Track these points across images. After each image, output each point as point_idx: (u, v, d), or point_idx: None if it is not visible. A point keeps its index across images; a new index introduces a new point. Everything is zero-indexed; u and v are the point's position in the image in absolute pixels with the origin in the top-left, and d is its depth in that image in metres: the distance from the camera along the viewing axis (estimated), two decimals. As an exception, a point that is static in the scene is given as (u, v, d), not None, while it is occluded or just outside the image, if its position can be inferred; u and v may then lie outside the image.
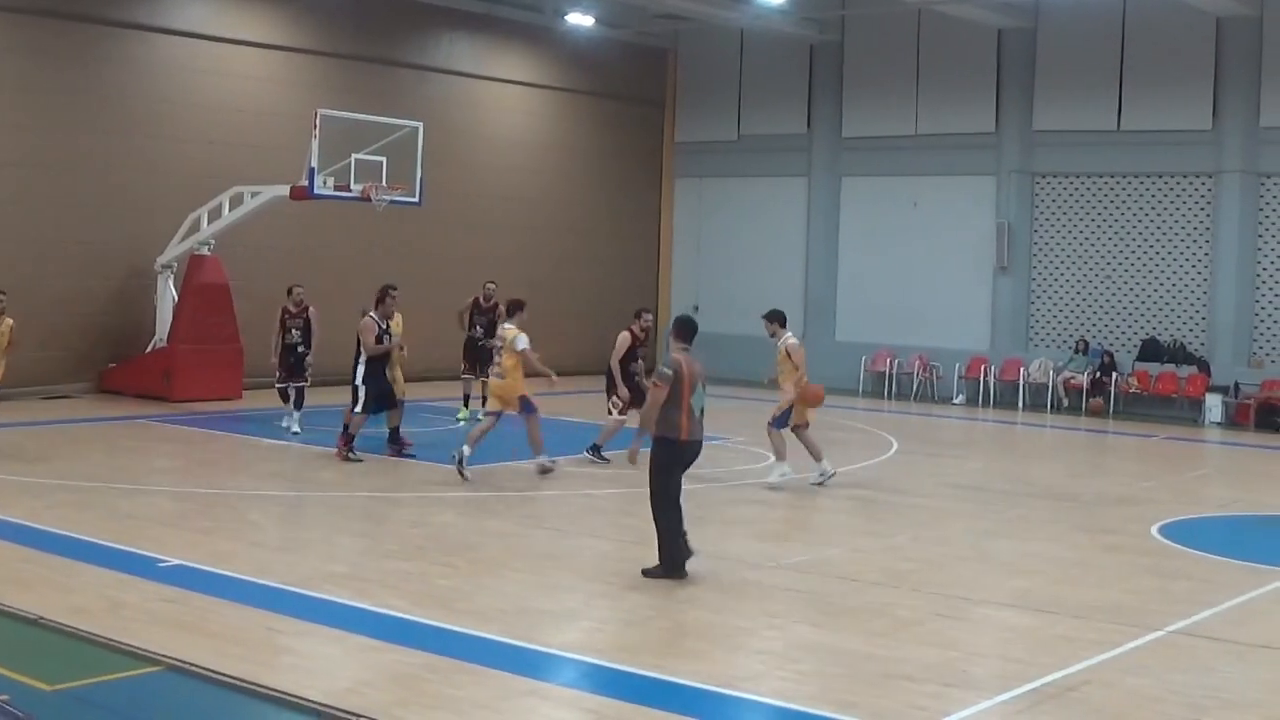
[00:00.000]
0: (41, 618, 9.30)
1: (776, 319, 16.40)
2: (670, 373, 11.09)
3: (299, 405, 19.40)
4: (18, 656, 8.59)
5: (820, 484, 16.05)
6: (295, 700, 7.81)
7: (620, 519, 13.69)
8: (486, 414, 17.50)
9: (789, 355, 16.05)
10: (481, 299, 21.57)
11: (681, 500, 11.35)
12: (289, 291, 19.96)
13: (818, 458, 16.17)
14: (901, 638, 9.58)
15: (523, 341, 16.06)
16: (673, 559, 11.15)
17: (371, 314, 17.31)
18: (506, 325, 16.42)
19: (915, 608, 10.49)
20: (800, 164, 31.19)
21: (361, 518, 13.72)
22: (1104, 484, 17.83)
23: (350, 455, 16.81)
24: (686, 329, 11.59)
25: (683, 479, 11.46)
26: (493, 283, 21.98)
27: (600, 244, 31.68)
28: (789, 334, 16.37)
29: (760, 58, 31.38)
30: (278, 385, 19.74)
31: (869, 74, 30.01)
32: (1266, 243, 26.07)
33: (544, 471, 16.21)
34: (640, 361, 17.95)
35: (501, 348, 16.26)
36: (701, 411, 11.31)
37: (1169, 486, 17.54)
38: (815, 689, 8.39)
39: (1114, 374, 26.55)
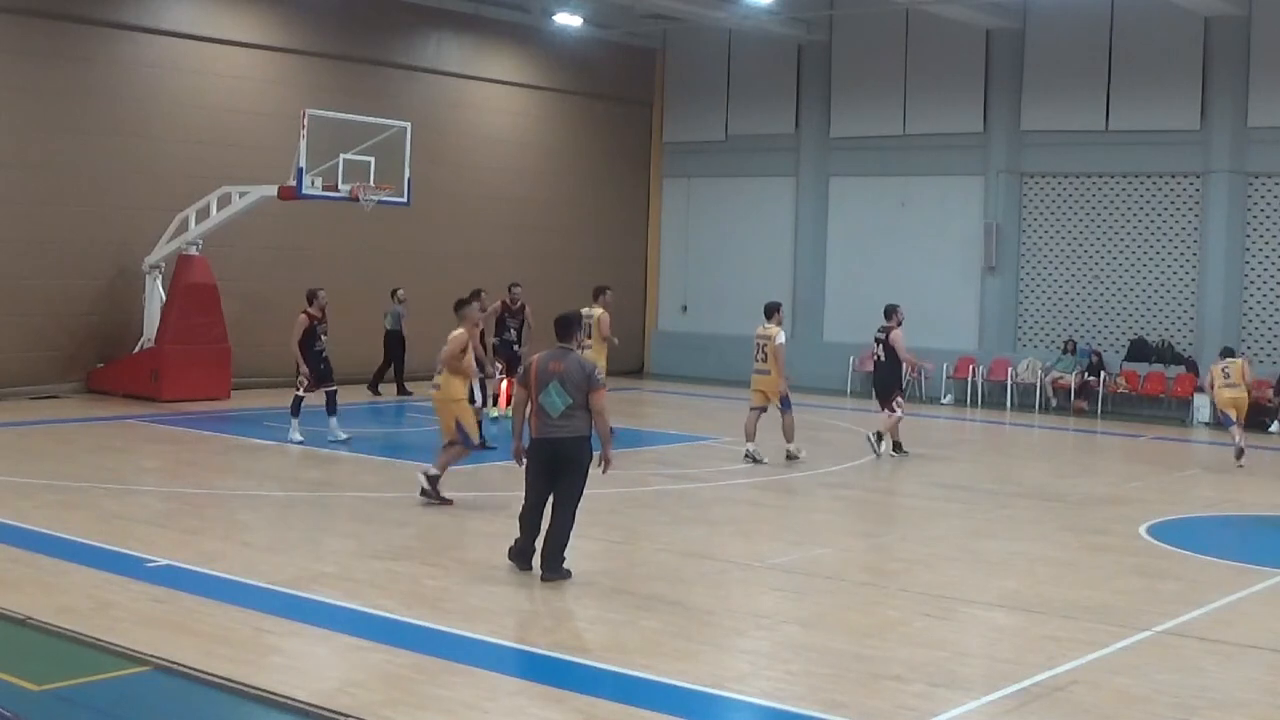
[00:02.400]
0: (29, 618, 9.28)
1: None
2: (520, 372, 11.34)
3: (334, 410, 18.62)
4: (5, 656, 8.57)
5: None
6: (283, 700, 7.80)
7: (608, 518, 13.69)
8: (751, 409, 18.22)
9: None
10: (508, 301, 21.19)
11: (568, 510, 11.05)
12: (313, 296, 18.70)
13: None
14: (889, 638, 9.59)
15: (781, 337, 17.89)
16: (518, 542, 11.24)
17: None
18: (768, 324, 17.95)
19: (903, 607, 10.50)
20: (788, 164, 31.22)
21: (350, 518, 13.70)
22: (1092, 484, 17.85)
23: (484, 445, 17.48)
24: (560, 326, 11.36)
25: (574, 484, 11.15)
26: (518, 285, 21.67)
27: (588, 244, 31.66)
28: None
29: (748, 58, 31.40)
30: (304, 393, 18.52)
31: (857, 74, 30.04)
32: (1254, 243, 26.15)
33: (791, 458, 18.01)
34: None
35: (765, 346, 17.82)
36: (564, 410, 10.91)
37: (1157, 486, 17.57)
38: (803, 689, 8.40)
39: (1102, 374, 26.61)
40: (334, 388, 18.69)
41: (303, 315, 18.47)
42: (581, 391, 10.98)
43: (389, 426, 18.78)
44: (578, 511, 11.20)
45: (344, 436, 18.43)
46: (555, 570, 10.95)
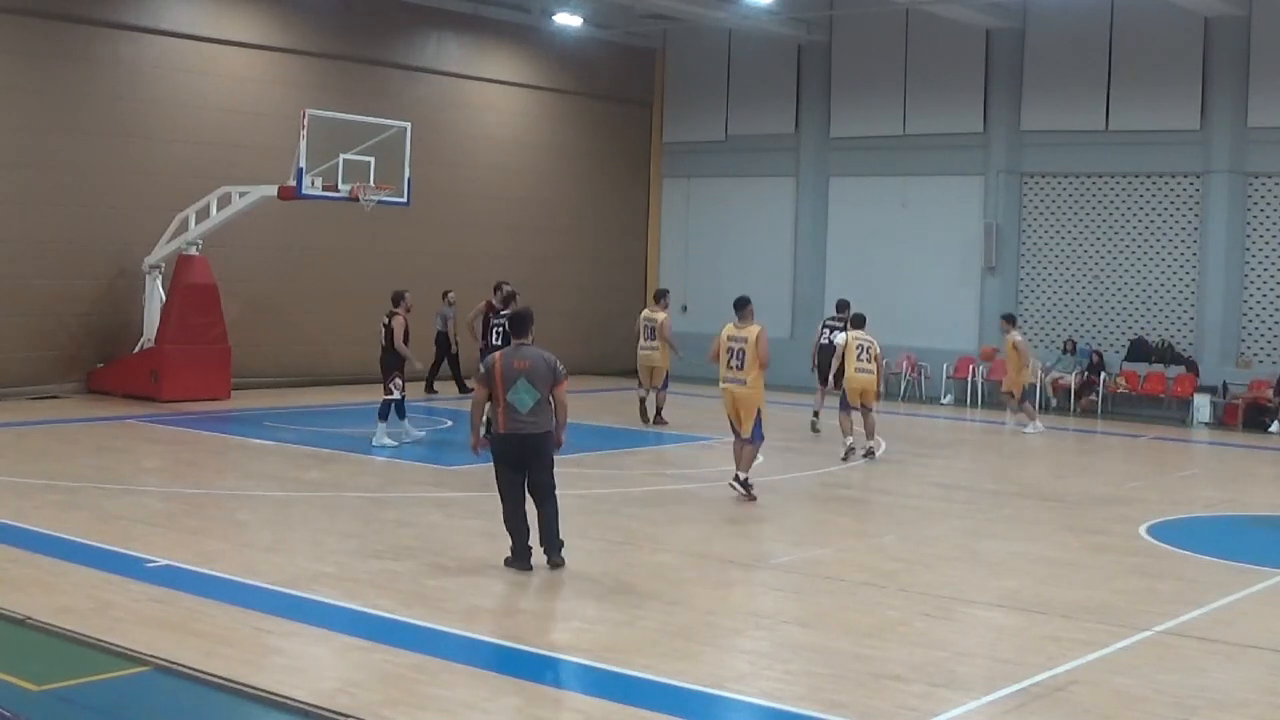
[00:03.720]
0: (29, 618, 9.28)
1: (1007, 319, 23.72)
2: (483, 371, 11.48)
3: (404, 412, 18.63)
4: (5, 656, 8.57)
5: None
6: (283, 700, 7.80)
7: (607, 518, 13.69)
8: (847, 408, 19.34)
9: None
10: (496, 302, 20.18)
11: (551, 498, 11.38)
12: (400, 298, 18.50)
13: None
14: (889, 638, 9.59)
15: (878, 346, 19.31)
16: (513, 549, 11.35)
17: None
18: (861, 331, 19.28)
19: (903, 608, 10.50)
20: (788, 164, 31.21)
21: (350, 518, 13.69)
22: (1092, 484, 17.85)
23: None
24: (515, 323, 11.66)
25: (546, 475, 11.41)
26: (507, 284, 21.04)
27: (588, 244, 31.67)
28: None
29: (748, 58, 31.39)
30: (398, 396, 18.32)
31: (857, 74, 30.03)
32: (1254, 242, 26.14)
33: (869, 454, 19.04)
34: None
35: (869, 348, 19.09)
36: (533, 406, 11.17)
37: (1157, 486, 17.57)
38: (803, 689, 8.39)
39: (1102, 374, 26.61)
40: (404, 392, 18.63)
41: (400, 318, 18.18)
42: (547, 385, 11.31)
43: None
44: (562, 505, 11.50)
45: (420, 434, 18.99)
46: (561, 554, 11.33)
